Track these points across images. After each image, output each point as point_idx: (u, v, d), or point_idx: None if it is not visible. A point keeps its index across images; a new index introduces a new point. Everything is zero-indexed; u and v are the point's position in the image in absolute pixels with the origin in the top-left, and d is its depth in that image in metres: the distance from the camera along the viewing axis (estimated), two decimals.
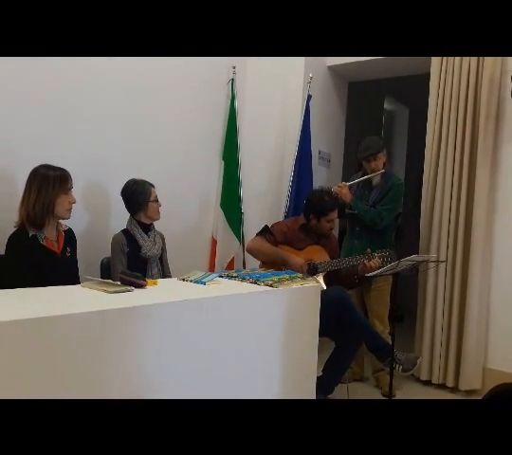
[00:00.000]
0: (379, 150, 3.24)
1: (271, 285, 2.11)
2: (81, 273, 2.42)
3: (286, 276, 2.29)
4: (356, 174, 3.43)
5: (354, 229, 3.35)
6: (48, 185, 2.22)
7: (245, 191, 3.83)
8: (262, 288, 2.09)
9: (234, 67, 3.78)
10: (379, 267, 2.74)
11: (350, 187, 3.26)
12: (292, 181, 3.73)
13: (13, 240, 2.18)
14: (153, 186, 2.74)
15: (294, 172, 3.74)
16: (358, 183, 3.33)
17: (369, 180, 3.30)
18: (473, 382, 3.22)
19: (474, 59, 3.23)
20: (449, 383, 3.27)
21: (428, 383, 3.38)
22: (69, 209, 2.31)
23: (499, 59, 3.18)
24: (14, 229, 2.21)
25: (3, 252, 2.20)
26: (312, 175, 3.82)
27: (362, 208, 3.19)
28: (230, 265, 3.74)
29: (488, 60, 3.18)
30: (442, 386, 3.32)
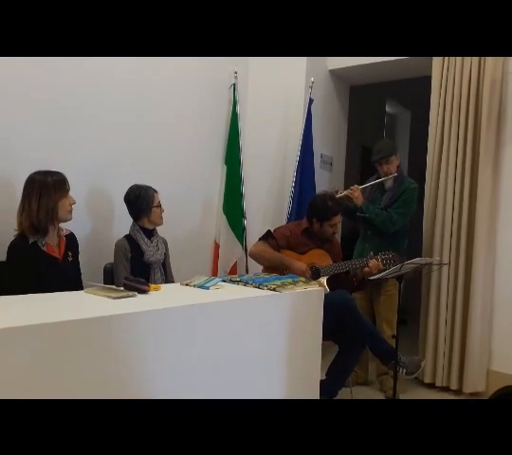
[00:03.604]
0: (392, 153, 3.23)
1: (274, 289, 2.11)
2: (84, 279, 2.42)
3: (289, 280, 2.29)
4: (371, 178, 3.42)
5: (366, 233, 3.35)
6: (49, 191, 2.22)
7: (247, 196, 3.84)
8: (265, 292, 2.09)
9: (236, 72, 3.79)
10: (381, 270, 2.74)
11: (363, 190, 3.26)
12: (294, 185, 3.74)
13: (14, 248, 2.18)
14: (156, 191, 2.75)
15: (296, 175, 3.74)
16: (372, 186, 3.33)
17: (382, 183, 3.29)
18: (477, 384, 3.21)
19: (475, 60, 3.24)
20: (453, 386, 3.27)
21: (431, 386, 3.37)
22: (70, 211, 2.32)
23: (500, 60, 3.18)
24: (14, 237, 2.21)
25: (3, 258, 2.20)
26: (314, 179, 3.82)
27: (374, 211, 3.18)
28: (233, 270, 3.74)
29: (489, 61, 3.18)
30: (446, 389, 3.31)
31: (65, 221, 2.34)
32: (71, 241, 2.42)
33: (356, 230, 3.65)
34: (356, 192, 3.17)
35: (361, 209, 3.18)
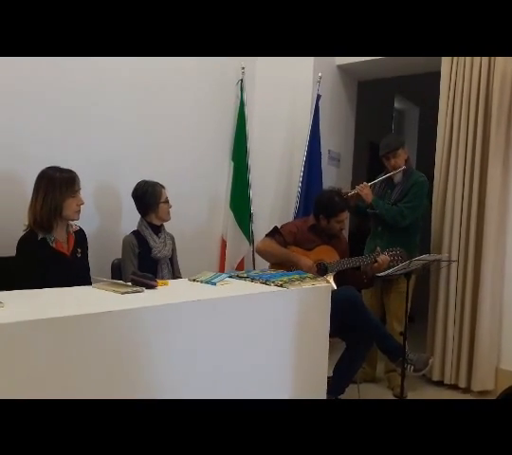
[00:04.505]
0: (398, 146, 3.21)
1: (281, 286, 2.10)
2: (92, 274, 2.42)
3: (296, 276, 2.28)
4: (379, 175, 3.40)
5: (376, 229, 3.33)
6: (55, 188, 2.21)
7: (254, 192, 3.83)
8: (272, 289, 2.08)
9: (243, 68, 3.79)
10: (390, 266, 2.73)
11: (372, 186, 3.24)
12: (302, 181, 3.73)
13: (23, 243, 2.18)
14: (163, 187, 2.75)
15: (303, 172, 3.73)
16: (380, 182, 3.31)
17: (391, 178, 3.27)
18: (486, 383, 3.19)
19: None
20: (462, 383, 3.25)
21: (440, 384, 3.35)
22: (77, 211, 2.30)
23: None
24: (24, 232, 2.21)
25: (13, 253, 2.21)
26: (322, 175, 3.81)
27: (383, 206, 3.16)
28: (240, 266, 3.75)
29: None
30: (454, 386, 3.29)
31: (72, 220, 2.33)
32: (81, 237, 2.42)
33: (363, 228, 3.63)
34: (366, 190, 3.15)
35: (371, 205, 3.17)
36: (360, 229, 4.28)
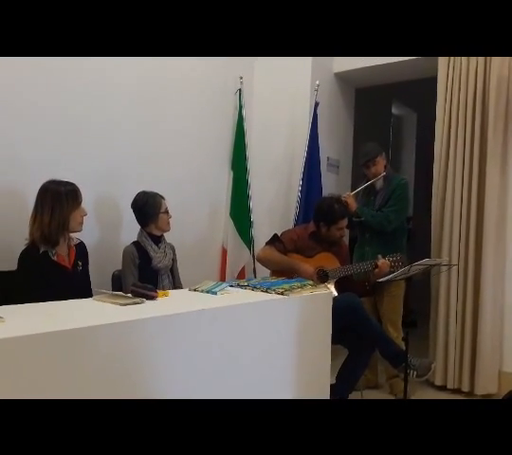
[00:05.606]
0: (377, 154, 3.26)
1: (282, 293, 2.11)
2: (92, 286, 2.43)
3: (297, 284, 2.29)
4: (361, 183, 3.43)
5: (364, 236, 3.35)
6: (62, 202, 2.22)
7: (254, 200, 3.85)
8: (273, 296, 2.09)
9: (241, 77, 3.82)
10: (390, 271, 2.74)
11: (356, 195, 3.27)
12: (301, 188, 3.74)
13: (24, 257, 2.19)
14: (163, 198, 2.76)
15: (303, 179, 3.74)
16: (363, 190, 3.34)
17: (373, 186, 3.31)
18: (489, 386, 3.18)
19: (481, 59, 3.22)
20: (465, 388, 3.24)
21: (443, 388, 3.34)
22: (81, 223, 2.32)
23: (507, 57, 3.14)
24: (25, 246, 2.22)
25: (14, 266, 2.21)
26: (321, 182, 3.82)
27: (369, 213, 3.19)
28: (241, 275, 3.76)
29: (496, 59, 3.16)
30: (457, 391, 3.29)
31: (75, 232, 2.35)
32: (81, 250, 2.42)
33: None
34: (349, 199, 3.19)
35: (356, 214, 3.19)
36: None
